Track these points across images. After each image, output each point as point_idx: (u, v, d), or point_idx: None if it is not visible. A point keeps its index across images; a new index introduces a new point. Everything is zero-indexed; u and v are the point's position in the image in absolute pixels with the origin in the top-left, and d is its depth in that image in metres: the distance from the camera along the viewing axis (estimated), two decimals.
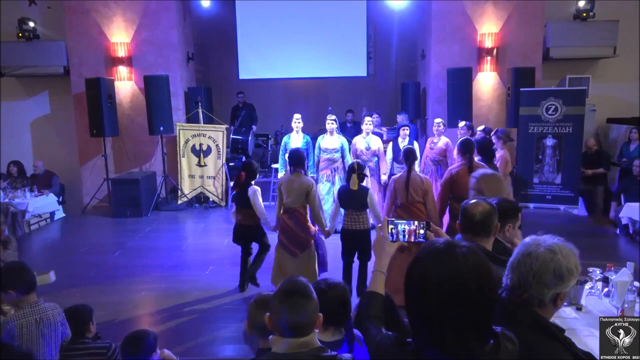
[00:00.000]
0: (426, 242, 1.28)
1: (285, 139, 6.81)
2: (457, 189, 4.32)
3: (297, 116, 6.71)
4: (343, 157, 6.58)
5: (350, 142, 7.11)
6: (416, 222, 1.72)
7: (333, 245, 4.86)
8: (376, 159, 6.69)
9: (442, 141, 6.70)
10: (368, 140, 6.67)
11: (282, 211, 4.58)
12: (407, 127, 6.95)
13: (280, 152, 6.87)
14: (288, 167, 6.57)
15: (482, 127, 6.96)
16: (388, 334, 1.42)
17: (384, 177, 6.68)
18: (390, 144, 7.03)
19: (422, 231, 1.69)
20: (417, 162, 6.70)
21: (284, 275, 4.43)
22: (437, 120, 6.88)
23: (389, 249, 1.70)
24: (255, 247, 4.93)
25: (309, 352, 1.59)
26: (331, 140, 6.59)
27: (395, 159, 6.90)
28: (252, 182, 4.69)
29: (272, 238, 4.82)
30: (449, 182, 4.44)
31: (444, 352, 1.16)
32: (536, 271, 1.45)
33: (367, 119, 6.87)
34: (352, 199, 4.40)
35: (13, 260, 2.86)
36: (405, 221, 1.73)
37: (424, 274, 1.18)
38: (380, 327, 1.50)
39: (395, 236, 1.70)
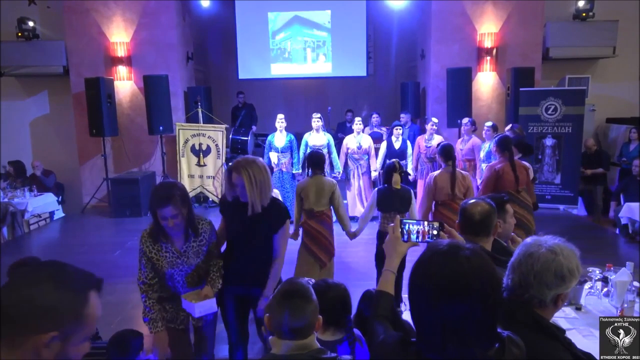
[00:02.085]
0: (430, 243, 1.27)
1: (269, 137, 7.07)
2: (502, 185, 4.40)
3: (280, 116, 7.00)
4: (329, 153, 6.82)
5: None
6: (426, 223, 1.71)
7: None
8: (367, 157, 6.99)
9: (437, 140, 6.90)
10: (359, 139, 6.97)
11: (306, 216, 4.34)
12: (400, 127, 7.18)
13: (265, 151, 7.08)
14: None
15: (510, 126, 6.96)
16: (392, 333, 1.41)
17: (374, 174, 7.04)
18: (384, 142, 7.24)
19: (434, 232, 1.69)
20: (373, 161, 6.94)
21: None
22: (434, 119, 7.12)
23: (401, 249, 1.69)
24: None
25: (308, 353, 1.59)
26: (318, 138, 6.86)
27: (389, 157, 6.99)
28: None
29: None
30: (494, 178, 4.45)
31: (447, 354, 1.15)
32: (537, 272, 1.45)
33: (357, 119, 7.16)
34: (395, 200, 4.16)
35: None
36: (416, 221, 1.72)
37: (427, 276, 1.18)
38: (388, 327, 1.50)
39: (407, 236, 1.70)
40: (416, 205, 4.40)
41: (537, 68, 8.40)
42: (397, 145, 7.08)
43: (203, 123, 8.46)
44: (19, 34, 8.61)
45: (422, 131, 8.96)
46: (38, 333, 0.98)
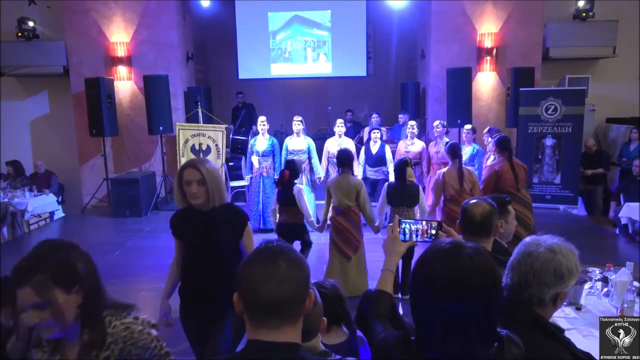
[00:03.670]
0: (433, 242, 1.27)
1: (251, 141, 6.91)
2: (502, 184, 4.62)
3: (262, 118, 6.85)
4: (310, 158, 6.69)
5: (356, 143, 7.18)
6: (424, 222, 1.72)
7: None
8: None
9: (419, 144, 6.80)
10: (340, 142, 6.71)
11: (334, 212, 4.59)
12: (378, 131, 6.91)
13: (248, 155, 6.94)
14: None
15: (487, 128, 6.96)
16: (392, 332, 1.42)
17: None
18: (363, 148, 6.99)
19: (433, 231, 1.69)
20: (356, 165, 6.66)
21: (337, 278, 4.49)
22: (411, 122, 6.93)
23: (400, 248, 1.70)
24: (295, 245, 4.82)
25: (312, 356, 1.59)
26: (298, 142, 6.69)
27: (367, 162, 6.81)
28: (296, 181, 4.71)
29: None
30: (494, 177, 4.66)
31: (447, 353, 1.15)
32: (536, 270, 1.46)
33: (339, 120, 6.90)
34: (405, 195, 4.47)
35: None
36: (414, 220, 1.73)
37: (429, 274, 1.18)
38: (387, 326, 1.50)
39: (408, 235, 1.70)
40: (423, 198, 4.67)
41: (537, 68, 8.40)
42: (374, 149, 6.74)
43: (203, 123, 8.46)
44: (19, 34, 8.60)
45: (421, 132, 9.00)
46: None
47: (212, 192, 2.46)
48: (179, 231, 2.63)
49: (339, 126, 6.75)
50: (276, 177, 6.72)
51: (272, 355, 1.15)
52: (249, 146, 6.89)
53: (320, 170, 6.74)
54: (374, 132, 6.82)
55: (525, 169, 4.85)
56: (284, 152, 6.76)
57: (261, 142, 6.76)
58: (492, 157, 5.89)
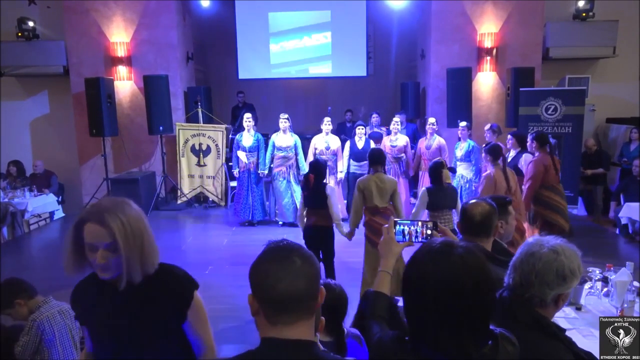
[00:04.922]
0: (425, 243, 1.28)
1: (237, 137, 7.15)
2: (548, 178, 4.81)
3: (247, 115, 7.10)
4: (297, 155, 6.89)
5: (344, 142, 7.23)
6: (420, 223, 1.72)
7: None
8: (334, 157, 6.95)
9: (402, 139, 6.91)
10: (327, 139, 6.95)
11: (369, 213, 4.39)
12: (362, 127, 7.04)
13: (233, 151, 7.15)
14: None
15: (489, 125, 6.97)
16: (388, 332, 1.42)
17: (340, 175, 6.98)
18: (348, 142, 7.13)
19: (428, 231, 1.70)
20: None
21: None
22: (396, 119, 7.07)
23: (396, 249, 1.71)
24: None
25: None
26: (285, 139, 6.88)
27: (353, 157, 6.98)
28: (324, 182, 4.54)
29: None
30: (543, 172, 4.78)
31: (441, 352, 1.16)
32: (539, 271, 1.46)
33: (327, 119, 7.08)
34: (445, 198, 4.33)
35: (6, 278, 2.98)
36: (410, 221, 1.74)
37: (421, 274, 1.19)
38: (384, 326, 1.51)
39: (408, 237, 1.71)
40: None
41: (537, 68, 8.39)
42: (360, 145, 6.90)
43: (203, 123, 8.47)
44: (19, 34, 8.61)
45: (421, 130, 9.00)
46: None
47: (130, 263, 1.51)
48: (84, 315, 1.70)
49: (326, 124, 6.97)
50: (259, 171, 6.98)
51: (289, 353, 1.16)
52: (235, 141, 7.14)
53: (306, 167, 6.86)
54: (359, 128, 6.98)
55: (560, 162, 5.03)
56: (270, 149, 6.95)
57: (247, 138, 7.02)
58: (512, 152, 5.80)
